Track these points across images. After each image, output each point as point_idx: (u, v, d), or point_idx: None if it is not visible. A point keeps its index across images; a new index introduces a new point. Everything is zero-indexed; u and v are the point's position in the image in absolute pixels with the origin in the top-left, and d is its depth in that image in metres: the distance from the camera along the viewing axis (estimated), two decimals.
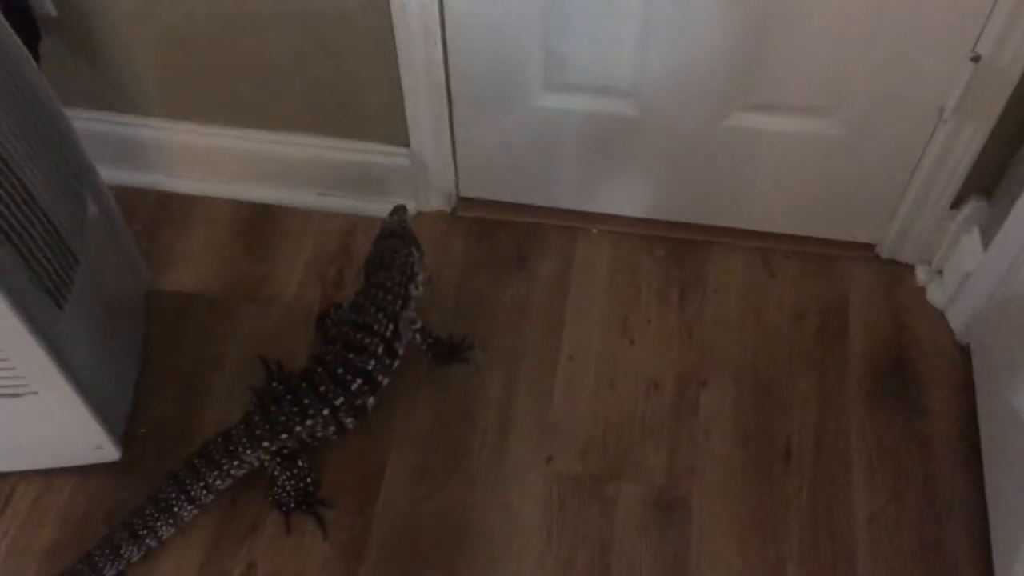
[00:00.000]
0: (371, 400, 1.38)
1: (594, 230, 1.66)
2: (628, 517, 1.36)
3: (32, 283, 1.15)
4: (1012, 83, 1.28)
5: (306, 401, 1.34)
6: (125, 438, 1.41)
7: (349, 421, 1.37)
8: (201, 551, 1.34)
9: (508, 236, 1.66)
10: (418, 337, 1.45)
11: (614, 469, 1.41)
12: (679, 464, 1.41)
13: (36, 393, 1.23)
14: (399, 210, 1.49)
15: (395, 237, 1.44)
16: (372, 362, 1.36)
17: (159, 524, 1.31)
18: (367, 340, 1.36)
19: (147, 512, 1.31)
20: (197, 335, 1.54)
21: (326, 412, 1.34)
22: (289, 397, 1.35)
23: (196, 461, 1.32)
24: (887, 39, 1.29)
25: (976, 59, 1.27)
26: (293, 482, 1.35)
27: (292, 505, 1.36)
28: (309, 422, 1.34)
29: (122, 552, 1.30)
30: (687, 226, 1.65)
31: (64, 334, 1.21)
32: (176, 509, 1.31)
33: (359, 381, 1.35)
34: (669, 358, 1.52)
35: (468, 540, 1.35)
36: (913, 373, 1.51)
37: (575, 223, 1.67)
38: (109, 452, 1.38)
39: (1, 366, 1.17)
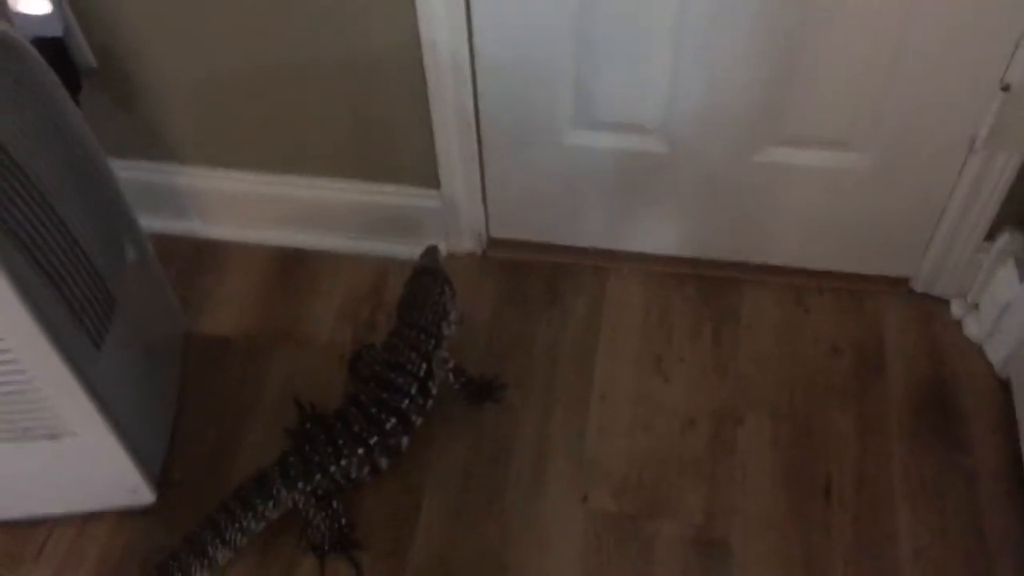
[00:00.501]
0: (405, 440, 1.38)
1: (624, 269, 1.66)
2: (667, 557, 1.34)
3: (72, 323, 1.17)
4: None
5: (340, 441, 1.34)
6: (160, 481, 1.41)
7: (383, 461, 1.37)
8: None
9: (539, 276, 1.66)
10: (451, 376, 1.45)
11: (651, 508, 1.39)
12: (718, 502, 1.39)
13: (74, 434, 1.24)
14: (431, 250, 1.50)
15: (427, 276, 1.45)
16: (406, 401, 1.36)
17: (193, 567, 1.30)
18: (401, 379, 1.37)
19: (181, 555, 1.30)
20: (232, 378, 1.55)
21: (360, 452, 1.34)
22: (323, 437, 1.35)
23: (230, 503, 1.32)
24: (915, 70, 1.29)
25: (1006, 88, 1.27)
26: (327, 523, 1.34)
27: (326, 548, 1.35)
28: (343, 462, 1.34)
29: None
30: (718, 263, 1.65)
31: (102, 375, 1.22)
32: (211, 551, 1.30)
33: (393, 420, 1.35)
34: (704, 396, 1.51)
35: None
36: (953, 408, 1.48)
37: (605, 262, 1.67)
38: (144, 495, 1.38)
39: (41, 406, 1.18)
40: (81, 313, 1.19)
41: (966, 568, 1.32)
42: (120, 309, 1.29)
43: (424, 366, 1.38)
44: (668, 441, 1.46)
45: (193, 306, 1.64)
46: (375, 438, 1.34)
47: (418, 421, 1.39)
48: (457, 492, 1.42)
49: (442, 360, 1.42)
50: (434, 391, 1.41)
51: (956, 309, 1.59)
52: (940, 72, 1.29)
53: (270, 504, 1.32)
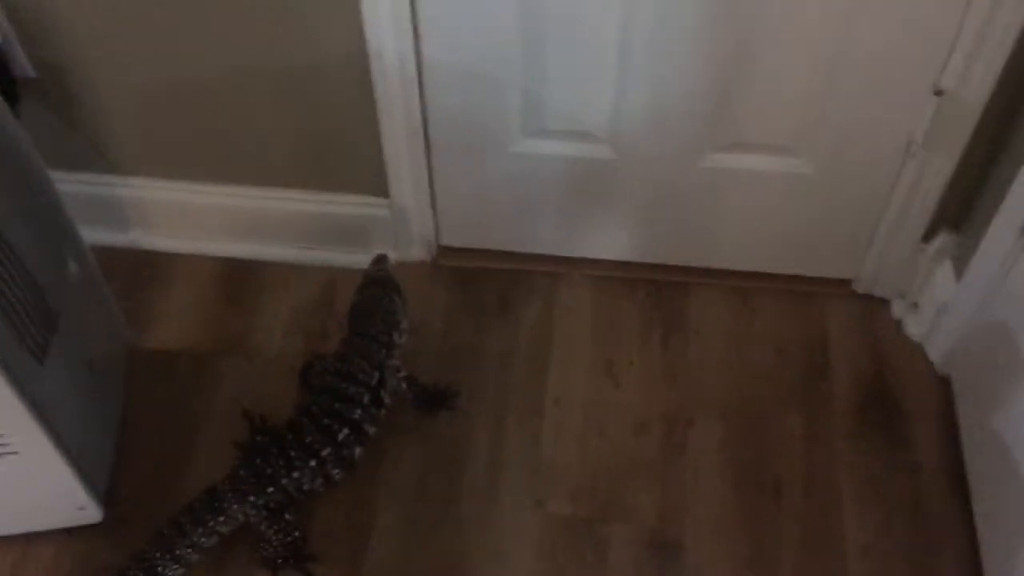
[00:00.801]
0: (358, 450, 1.37)
1: (575, 275, 1.68)
2: (621, 559, 1.35)
3: (13, 339, 1.14)
4: (976, 115, 1.32)
5: (292, 453, 1.33)
6: (108, 498, 1.38)
7: (336, 472, 1.36)
8: None
9: (490, 283, 1.67)
10: (404, 385, 1.45)
11: (605, 511, 1.40)
12: (670, 504, 1.41)
13: (17, 453, 1.21)
14: (381, 259, 1.50)
15: (377, 285, 1.45)
16: (358, 411, 1.35)
17: None
18: (353, 389, 1.36)
19: (131, 573, 1.28)
20: (180, 392, 1.53)
21: (313, 463, 1.33)
22: (275, 449, 1.33)
23: (181, 518, 1.30)
24: (854, 77, 1.32)
25: (940, 92, 1.31)
26: (280, 537, 1.33)
27: (280, 561, 1.34)
28: (296, 474, 1.32)
29: None
30: (667, 268, 1.67)
31: (45, 392, 1.20)
32: (161, 569, 1.28)
33: (346, 431, 1.34)
34: (655, 399, 1.52)
35: None
36: (896, 406, 1.52)
37: (556, 268, 1.68)
38: (92, 513, 1.35)
39: None
40: (22, 328, 1.16)
41: (909, 562, 1.35)
42: (63, 324, 1.27)
43: (376, 375, 1.38)
44: (621, 445, 1.47)
45: (138, 320, 1.62)
46: (328, 449, 1.33)
47: (371, 431, 1.38)
48: (412, 502, 1.41)
49: (394, 369, 1.42)
50: (387, 400, 1.40)
51: (896, 309, 1.63)
52: (878, 78, 1.32)
53: (221, 519, 1.30)
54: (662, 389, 1.54)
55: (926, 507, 1.40)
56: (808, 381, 1.55)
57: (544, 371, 1.56)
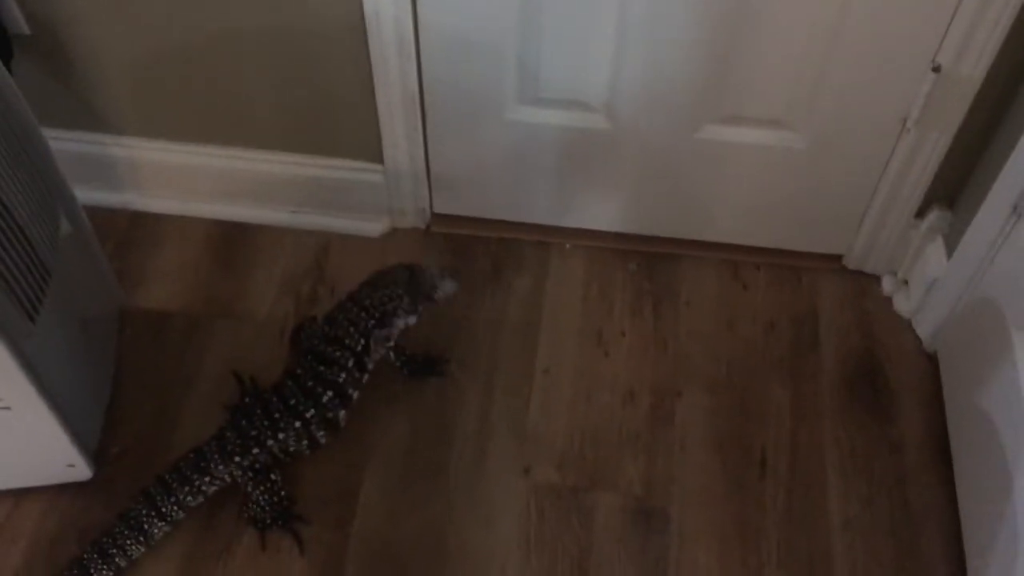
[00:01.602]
0: (343, 413, 1.38)
1: (567, 245, 1.68)
2: (607, 527, 1.37)
3: (5, 296, 1.14)
4: (972, 92, 1.32)
5: (277, 415, 1.33)
6: (98, 457, 1.39)
7: (321, 434, 1.37)
8: (174, 570, 1.32)
9: (482, 252, 1.67)
10: (392, 355, 1.45)
11: (592, 480, 1.41)
12: (656, 474, 1.42)
13: (8, 409, 1.21)
14: (451, 281, 1.44)
15: (405, 270, 1.42)
16: (342, 375, 1.36)
17: (128, 542, 1.29)
18: (338, 353, 1.36)
19: (117, 530, 1.29)
20: (171, 353, 1.53)
21: (297, 425, 1.34)
22: (260, 411, 1.34)
23: (167, 477, 1.31)
24: (851, 51, 1.32)
25: (937, 69, 1.30)
26: (267, 497, 1.34)
27: (268, 521, 1.35)
28: (281, 435, 1.33)
29: (91, 572, 1.28)
30: (659, 240, 1.67)
31: (37, 349, 1.20)
32: (146, 526, 1.30)
33: (330, 393, 1.35)
34: (644, 370, 1.53)
35: (447, 554, 1.34)
36: (883, 381, 1.53)
37: (548, 238, 1.68)
38: (81, 471, 1.36)
39: None
40: (15, 285, 1.16)
41: (892, 536, 1.36)
42: (55, 282, 1.27)
43: (362, 341, 1.38)
44: (609, 414, 1.48)
45: (131, 280, 1.62)
46: (312, 411, 1.34)
47: (355, 395, 1.38)
48: (400, 467, 1.42)
49: (383, 338, 1.42)
50: (370, 366, 1.40)
51: (886, 285, 1.63)
52: (874, 53, 1.32)
53: (207, 479, 1.31)
54: (651, 360, 1.54)
55: (910, 482, 1.41)
56: (796, 355, 1.55)
57: (534, 340, 1.56)
